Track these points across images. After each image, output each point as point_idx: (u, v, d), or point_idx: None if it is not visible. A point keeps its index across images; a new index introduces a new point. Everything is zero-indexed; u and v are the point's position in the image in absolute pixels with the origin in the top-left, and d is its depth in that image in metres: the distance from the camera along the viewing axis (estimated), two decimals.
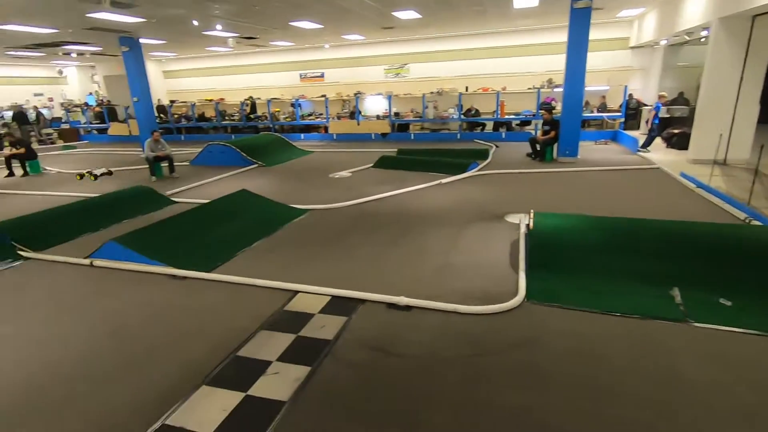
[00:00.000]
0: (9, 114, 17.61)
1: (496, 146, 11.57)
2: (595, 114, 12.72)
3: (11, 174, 10.17)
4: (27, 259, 4.84)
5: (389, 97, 14.27)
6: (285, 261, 4.47)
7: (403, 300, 3.42)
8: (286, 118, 15.89)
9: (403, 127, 14.58)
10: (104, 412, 2.42)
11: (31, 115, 17.42)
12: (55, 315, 3.58)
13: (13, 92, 18.60)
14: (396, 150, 10.54)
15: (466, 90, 13.98)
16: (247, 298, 3.69)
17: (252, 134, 14.84)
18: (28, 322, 3.49)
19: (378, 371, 2.67)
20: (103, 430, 2.29)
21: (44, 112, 18.88)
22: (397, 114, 14.51)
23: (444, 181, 7.66)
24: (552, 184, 7.31)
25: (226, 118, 16.60)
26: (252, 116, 16.16)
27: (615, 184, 7.13)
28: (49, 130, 18.00)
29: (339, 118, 15.31)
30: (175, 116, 17.10)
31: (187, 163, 10.68)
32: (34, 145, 12.82)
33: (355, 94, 15.21)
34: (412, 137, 14.06)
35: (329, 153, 11.95)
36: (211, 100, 17.11)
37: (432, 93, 14.26)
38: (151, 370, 2.79)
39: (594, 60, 11.74)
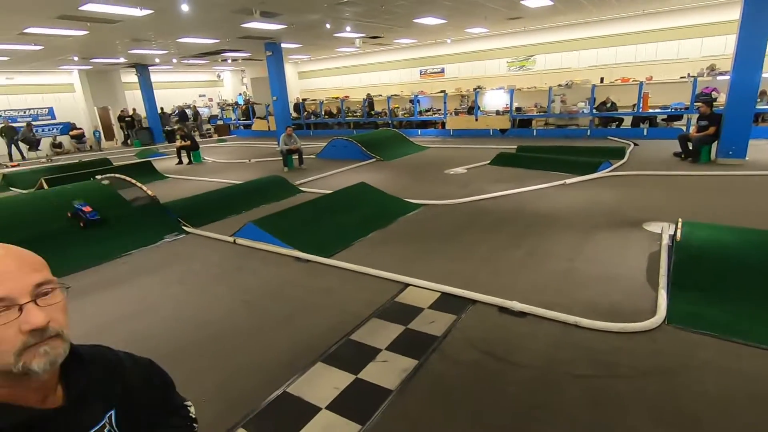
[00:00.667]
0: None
1: (635, 144, 10.22)
2: None
3: (180, 162, 12.28)
4: (188, 233, 5.79)
5: (511, 92, 13.60)
6: (398, 253, 4.58)
7: (516, 305, 3.23)
8: (405, 114, 16.23)
9: (525, 123, 13.78)
10: (238, 370, 2.77)
11: (190, 113, 20.76)
12: (206, 282, 4.22)
13: (183, 94, 22.37)
14: (515, 147, 10.02)
15: (601, 81, 12.61)
16: (361, 286, 3.87)
17: (372, 130, 15.52)
18: (186, 286, 4.18)
19: (487, 375, 2.57)
20: (237, 386, 2.62)
21: (204, 110, 22.37)
22: (518, 109, 13.77)
23: (569, 181, 7.03)
24: (707, 190, 6.20)
25: (349, 114, 17.61)
26: (372, 113, 16.90)
27: None
28: (208, 126, 21.30)
29: (456, 113, 15.12)
30: (306, 113, 18.75)
31: (314, 156, 11.63)
32: (197, 139, 15.25)
33: (475, 89, 14.84)
34: (534, 134, 13.22)
35: (445, 149, 11.88)
36: (336, 98, 18.34)
37: (560, 86, 13.18)
38: (276, 339, 3.11)
39: None
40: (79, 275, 4.58)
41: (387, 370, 2.67)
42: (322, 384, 2.59)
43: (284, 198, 7.24)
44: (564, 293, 3.47)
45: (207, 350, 3.05)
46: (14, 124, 16.26)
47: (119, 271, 4.67)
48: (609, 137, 11.61)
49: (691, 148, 8.17)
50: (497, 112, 14.18)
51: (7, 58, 12.71)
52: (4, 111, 16.54)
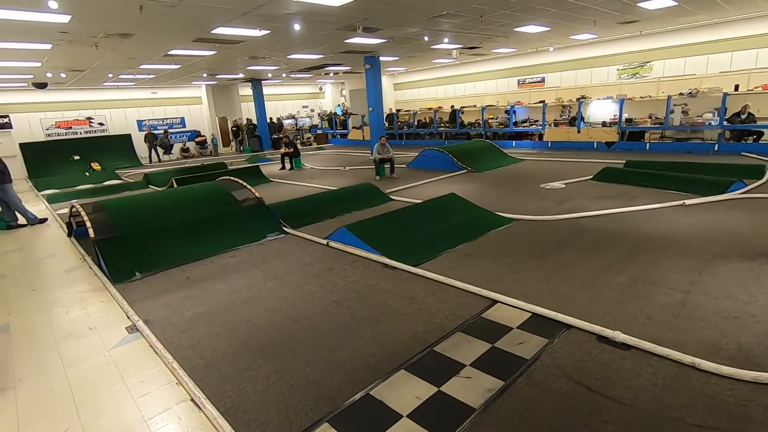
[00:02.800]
0: (288, 122, 23.17)
1: None
2: None
3: (283, 167, 13.35)
4: (287, 233, 6.27)
5: (621, 101, 12.46)
6: (486, 268, 4.45)
7: (619, 335, 2.94)
8: (500, 125, 15.77)
9: (636, 136, 12.51)
10: (326, 367, 2.91)
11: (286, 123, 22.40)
12: (301, 280, 4.52)
13: (289, 105, 24.35)
14: (623, 162, 9.14)
15: (736, 89, 10.95)
16: (447, 297, 3.84)
17: (464, 141, 15.32)
18: (284, 281, 4.51)
19: (581, 408, 2.37)
20: (323, 381, 2.75)
21: (306, 120, 24.09)
22: (629, 120, 12.55)
23: (689, 202, 6.21)
24: None
25: (441, 125, 17.61)
26: (465, 123, 16.70)
27: None
28: (308, 135, 22.87)
29: (556, 125, 14.27)
30: (399, 123, 19.18)
31: (405, 166, 11.83)
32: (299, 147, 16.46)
33: (578, 99, 13.87)
34: (647, 148, 11.93)
35: (542, 162, 11.28)
36: (430, 108, 18.47)
37: (681, 94, 11.74)
38: (362, 341, 3.21)
39: None
40: (197, 264, 5.22)
41: (470, 387, 2.60)
42: (405, 392, 2.61)
43: (375, 205, 7.47)
44: (677, 328, 3.07)
45: (299, 343, 3.26)
46: (155, 132, 19.17)
47: (229, 263, 5.22)
48: (743, 153, 10.02)
49: None
50: (603, 124, 13.08)
51: (153, 76, 15.05)
52: (149, 120, 19.55)
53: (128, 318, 3.89)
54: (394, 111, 20.22)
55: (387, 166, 10.53)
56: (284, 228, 6.40)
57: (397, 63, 17.37)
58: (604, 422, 2.26)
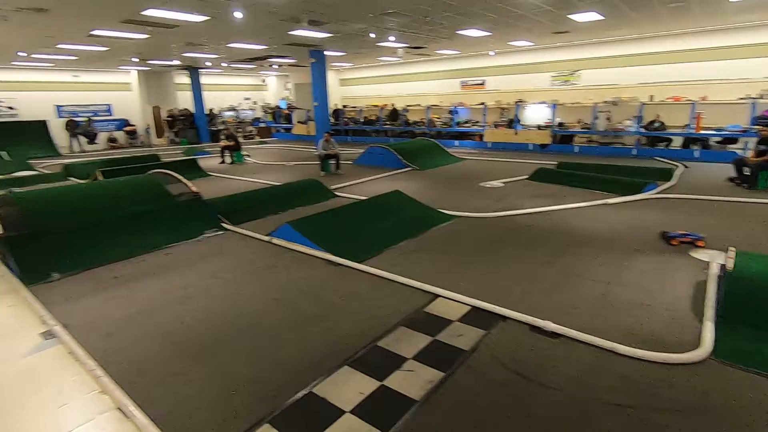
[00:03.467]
0: (228, 114, 22.16)
1: (685, 166, 9.73)
2: None
3: (223, 161, 12.76)
4: (227, 230, 6.00)
5: (554, 106, 13.31)
6: (429, 263, 4.56)
7: (549, 325, 3.14)
8: (443, 124, 16.20)
9: (567, 139, 13.42)
10: (267, 366, 2.84)
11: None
12: (241, 278, 4.35)
13: (230, 97, 23.29)
14: (556, 163, 9.78)
15: (651, 99, 12.12)
16: (390, 293, 3.88)
17: (409, 139, 15.56)
18: (223, 280, 4.32)
19: (515, 395, 2.51)
20: (264, 381, 2.68)
21: (248, 113, 23.22)
22: (561, 124, 13.44)
23: (611, 201, 6.78)
24: (763, 219, 5.81)
25: (387, 122, 17.73)
26: (411, 122, 16.97)
27: None
28: (251, 128, 22.07)
29: (496, 126, 14.94)
30: (345, 120, 19.07)
31: (351, 162, 11.79)
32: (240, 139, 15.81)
33: (516, 102, 14.62)
34: (576, 150, 12.85)
35: (482, 161, 11.75)
36: (376, 106, 18.54)
37: (606, 102, 12.78)
38: (305, 338, 3.16)
39: None
40: (127, 263, 4.85)
41: (412, 380, 2.66)
42: (348, 388, 2.61)
43: (320, 201, 7.38)
44: (600, 317, 3.34)
45: (239, 343, 3.14)
46: (76, 119, 17.48)
47: (163, 261, 4.90)
48: (656, 158, 11.11)
49: (747, 173, 7.69)
50: (538, 127, 13.90)
51: (75, 58, 13.70)
52: (69, 106, 17.78)
53: (44, 323, 3.53)
54: (340, 107, 20.06)
55: (332, 162, 10.43)
56: (224, 224, 6.13)
57: (343, 59, 17.24)
58: (535, 407, 2.41)
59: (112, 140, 18.51)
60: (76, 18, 8.35)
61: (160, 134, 19.88)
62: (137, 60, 15.03)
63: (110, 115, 19.09)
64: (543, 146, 13.38)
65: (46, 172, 11.78)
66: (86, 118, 17.75)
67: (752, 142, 9.15)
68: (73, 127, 17.07)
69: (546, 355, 2.87)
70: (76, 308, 3.77)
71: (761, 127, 8.12)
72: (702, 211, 6.25)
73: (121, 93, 19.22)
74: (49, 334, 3.34)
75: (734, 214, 6.05)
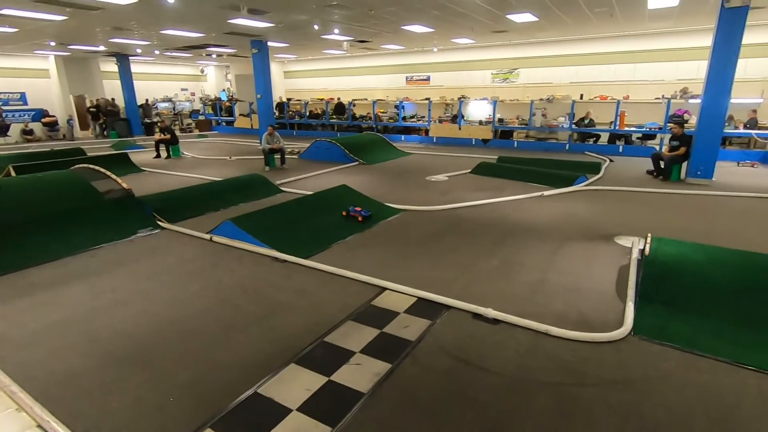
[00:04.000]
0: (164, 105, 20.80)
1: (611, 160, 10.55)
2: (741, 131, 10.89)
3: (158, 156, 11.99)
4: (163, 228, 5.66)
5: (494, 103, 13.86)
6: (376, 257, 4.59)
7: (490, 312, 3.29)
8: (389, 119, 16.32)
9: (507, 134, 14.05)
10: (209, 369, 2.72)
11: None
12: (180, 279, 4.13)
13: (165, 87, 21.89)
14: (496, 157, 10.20)
15: (581, 98, 12.98)
16: (337, 288, 3.87)
17: (355, 133, 15.52)
18: (159, 281, 4.08)
19: (458, 381, 2.60)
20: (206, 385, 2.57)
21: (186, 105, 21.97)
22: (501, 120, 14.03)
23: (546, 193, 7.20)
24: (675, 208, 6.45)
25: (333, 116, 17.56)
26: (357, 116, 16.92)
27: (757, 215, 6.04)
28: (189, 121, 20.91)
29: (441, 121, 15.29)
30: (290, 113, 18.61)
31: (296, 157, 11.55)
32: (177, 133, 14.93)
33: (459, 98, 15.05)
34: (515, 145, 13.50)
35: (428, 156, 11.99)
36: (321, 99, 18.28)
37: (541, 100, 13.51)
38: (250, 338, 3.07)
39: (746, 68, 10.12)
40: (46, 267, 4.42)
41: (360, 373, 2.67)
42: (294, 385, 2.57)
43: (264, 197, 7.17)
44: (536, 303, 3.55)
45: (178, 347, 2.98)
46: None
47: (87, 264, 4.53)
48: (586, 152, 11.94)
49: (662, 166, 8.50)
50: (480, 122, 14.42)
51: None
52: None
53: None
54: (284, 100, 19.55)
55: (277, 156, 10.17)
56: (159, 223, 5.77)
57: (287, 50, 16.80)
58: (476, 391, 2.51)
59: (27, 132, 16.73)
60: None
61: (85, 127, 18.26)
62: (55, 44, 13.66)
63: (24, 104, 17.23)
64: (485, 141, 13.90)
65: None
66: None
67: (667, 138, 10.11)
68: None
69: (487, 341, 3.00)
70: None
71: (673, 125, 8.98)
72: (625, 201, 6.82)
73: (36, 80, 17.39)
74: None
75: (652, 203, 6.66)
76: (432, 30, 11.87)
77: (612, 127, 12.03)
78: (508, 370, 2.70)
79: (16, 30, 10.76)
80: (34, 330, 3.22)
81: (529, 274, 4.11)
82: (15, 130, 16.42)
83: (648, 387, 2.53)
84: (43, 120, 17.31)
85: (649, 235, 4.23)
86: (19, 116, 16.90)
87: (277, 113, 18.10)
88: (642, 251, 4.13)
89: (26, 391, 2.50)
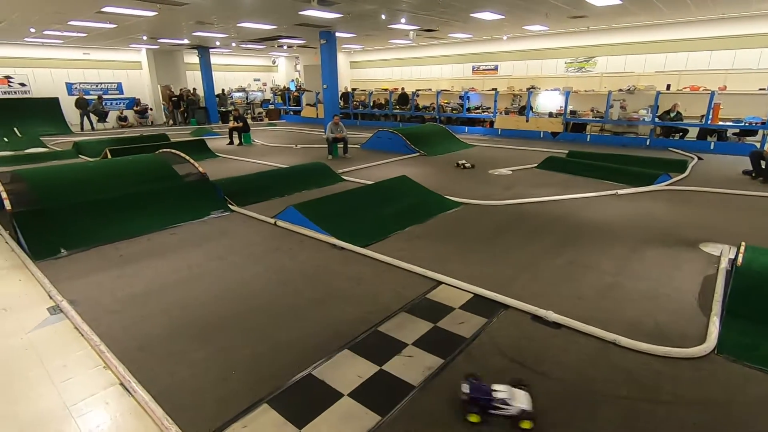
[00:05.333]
0: (238, 95, 22.05)
1: (700, 158, 9.52)
2: None
3: (231, 142, 12.75)
4: (233, 211, 6.02)
5: (567, 93, 13.03)
6: (433, 250, 4.54)
7: (551, 315, 3.12)
8: (453, 110, 15.99)
9: (579, 128, 13.17)
10: (268, 348, 2.86)
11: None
12: (245, 260, 4.37)
13: (239, 77, 23.17)
14: (566, 152, 9.62)
15: (668, 88, 11.79)
16: (393, 278, 3.88)
17: (418, 124, 15.39)
18: (227, 261, 4.35)
19: None
20: (265, 362, 2.70)
21: (258, 94, 23.09)
22: (573, 112, 13.17)
23: (621, 192, 6.67)
24: None
25: (396, 107, 17.54)
26: (421, 107, 16.77)
27: None
28: (260, 110, 21.99)
29: (507, 113, 14.70)
30: (354, 103, 18.88)
31: (359, 146, 11.71)
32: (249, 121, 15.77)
33: (528, 89, 14.34)
34: (588, 139, 12.63)
35: (491, 148, 11.60)
36: (386, 89, 18.32)
37: (621, 90, 12.47)
38: (306, 321, 3.18)
39: None
40: (133, 241, 4.90)
41: (411, 366, 2.67)
42: (347, 371, 2.62)
43: (326, 185, 7.35)
44: (604, 308, 3.31)
45: (241, 324, 3.17)
46: (87, 97, 17.50)
47: (168, 241, 4.94)
48: (670, 149, 10.87)
49: (764, 166, 7.50)
50: (550, 114, 13.65)
51: (85, 35, 13.66)
52: (80, 84, 17.83)
53: (51, 298, 3.59)
54: (349, 90, 19.85)
55: (340, 145, 10.37)
56: (230, 206, 6.15)
57: (353, 40, 16.99)
58: (533, 395, 2.39)
59: (122, 119, 18.57)
60: None
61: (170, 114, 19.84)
62: (146, 38, 14.94)
63: (120, 93, 19.11)
64: (554, 134, 13.16)
65: (57, 149, 11.88)
66: (97, 96, 17.78)
67: None
68: (83, 106, 17.10)
69: (546, 345, 2.86)
70: (82, 285, 3.83)
71: None
72: (715, 204, 6.13)
73: (131, 71, 19.21)
74: (55, 310, 3.40)
75: (748, 208, 5.92)
76: (502, 17, 11.37)
77: (703, 122, 10.82)
78: (569, 377, 2.55)
79: (116, 26, 11.90)
80: (121, 298, 3.58)
81: (598, 277, 3.84)
82: (112, 116, 18.30)
83: (732, 412, 2.26)
84: (135, 108, 19.10)
85: (743, 243, 3.76)
86: (116, 104, 18.80)
87: (341, 103, 18.45)
88: (733, 261, 3.69)
89: (112, 352, 2.79)
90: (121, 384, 2.53)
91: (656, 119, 11.47)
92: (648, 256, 4.29)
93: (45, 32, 12.87)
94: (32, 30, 12.46)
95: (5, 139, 13.34)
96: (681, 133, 11.61)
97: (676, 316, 3.18)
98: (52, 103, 16.73)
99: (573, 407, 2.31)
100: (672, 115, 11.30)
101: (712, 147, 10.58)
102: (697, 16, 11.63)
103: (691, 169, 8.28)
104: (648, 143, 11.59)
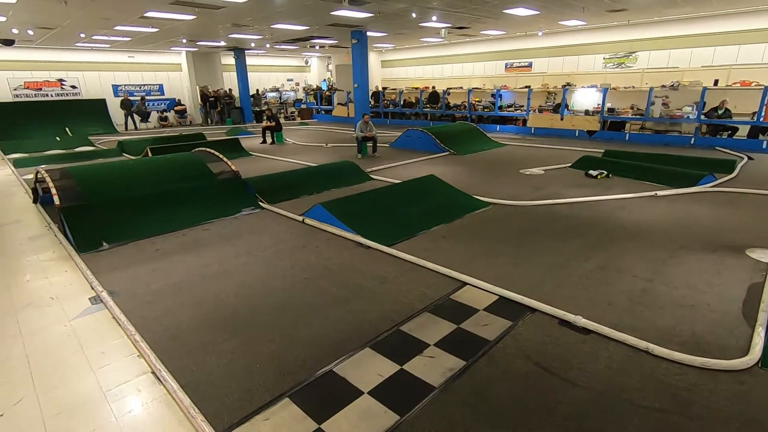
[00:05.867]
0: (271, 95, 22.56)
1: (750, 158, 8.94)
2: None
3: (264, 141, 13.07)
4: (263, 208, 6.17)
5: (605, 90, 12.54)
6: (459, 250, 4.48)
7: (580, 320, 3.01)
8: (485, 108, 15.73)
9: (617, 126, 12.65)
10: (291, 343, 2.91)
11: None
12: (273, 256, 4.47)
13: (273, 78, 23.69)
14: (602, 151, 9.26)
15: (715, 84, 11.13)
16: (417, 278, 3.86)
17: (449, 122, 15.24)
18: (256, 257, 4.46)
19: (538, 389, 2.44)
20: (288, 357, 2.76)
21: (290, 94, 23.53)
22: (611, 110, 12.67)
23: (661, 193, 6.36)
24: None
25: (427, 105, 17.44)
26: (451, 105, 16.59)
27: None
28: (292, 109, 22.42)
29: (540, 111, 14.31)
30: (385, 102, 18.91)
31: (388, 145, 11.73)
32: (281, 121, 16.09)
33: (564, 86, 13.90)
34: (627, 138, 12.11)
35: (523, 147, 11.34)
36: (416, 88, 18.24)
37: (663, 87, 11.88)
38: (329, 318, 3.22)
39: None
40: (168, 236, 5.11)
41: (432, 367, 2.65)
42: (368, 369, 2.64)
43: (355, 184, 7.41)
44: (637, 315, 3.17)
45: (267, 319, 3.24)
46: (131, 98, 18.41)
47: (201, 236, 5.12)
48: (717, 148, 10.27)
49: None
50: (586, 112, 13.18)
51: (129, 39, 14.36)
52: (125, 85, 18.76)
53: (92, 288, 3.80)
54: (380, 89, 19.90)
55: (369, 144, 10.42)
56: (260, 203, 6.30)
57: (385, 39, 17.01)
58: (557, 402, 2.33)
59: (163, 119, 19.39)
60: (130, 0, 8.70)
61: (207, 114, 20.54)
62: (186, 41, 15.53)
63: (162, 94, 19.96)
64: (590, 133, 12.71)
65: (103, 148, 12.56)
66: (140, 98, 18.67)
67: None
68: (128, 106, 18.00)
69: (574, 351, 2.76)
70: (121, 276, 4.03)
71: None
72: (764, 207, 5.74)
73: (171, 73, 20.03)
74: (96, 299, 3.60)
75: None
76: (537, 12, 11.07)
77: (755, 119, 10.15)
78: (597, 385, 2.45)
79: (157, 29, 12.44)
80: (155, 290, 3.74)
81: (631, 282, 3.68)
82: (153, 116, 19.17)
83: None
84: (175, 108, 19.90)
85: None
86: (158, 105, 19.66)
87: (372, 102, 18.52)
88: None
89: (146, 342, 2.92)
90: (153, 372, 2.65)
91: (702, 117, 10.85)
92: (687, 262, 4.07)
93: (94, 37, 13.62)
94: (82, 35, 13.22)
95: (58, 138, 14.22)
96: (729, 132, 10.93)
97: (716, 326, 3.00)
98: (100, 104, 17.72)
99: (601, 417, 2.23)
100: (720, 112, 10.66)
101: (765, 146, 9.91)
102: (749, 6, 10.90)
103: (740, 169, 7.80)
104: (692, 142, 10.99)
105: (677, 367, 2.58)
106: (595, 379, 2.51)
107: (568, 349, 2.78)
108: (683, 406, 2.28)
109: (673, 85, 11.75)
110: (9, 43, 13.37)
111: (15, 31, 11.95)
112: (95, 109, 17.53)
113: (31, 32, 12.08)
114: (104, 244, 4.82)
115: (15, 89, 16.22)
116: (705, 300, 3.35)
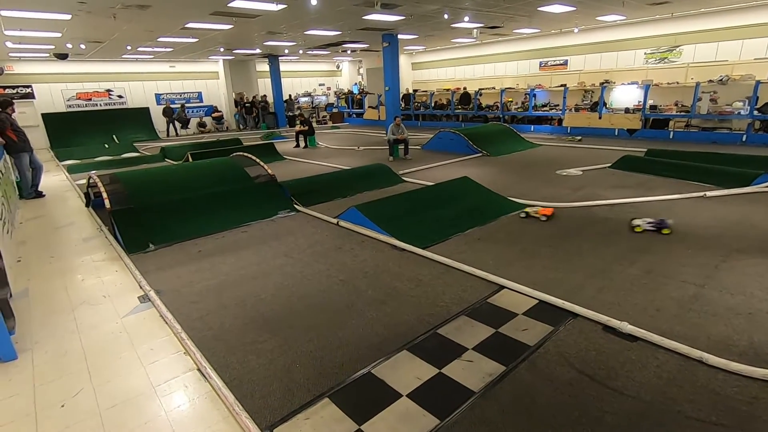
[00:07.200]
0: (304, 99, 22.99)
1: None
2: None
3: (297, 145, 13.34)
4: (298, 211, 6.29)
5: (646, 87, 12.01)
6: (495, 253, 4.41)
7: (626, 326, 2.89)
8: (518, 108, 15.41)
9: (660, 124, 12.09)
10: (329, 344, 2.95)
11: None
12: (309, 258, 4.55)
13: (305, 83, 24.15)
14: (644, 150, 8.87)
15: None
16: (453, 281, 3.83)
17: (481, 123, 15.04)
18: (293, 258, 4.55)
19: (582, 397, 2.36)
20: (327, 358, 2.79)
21: (322, 98, 23.89)
22: (654, 107, 12.12)
23: (710, 194, 6.02)
24: None
25: (458, 107, 17.28)
26: (484, 106, 16.36)
27: None
28: (324, 113, 22.77)
29: (577, 109, 13.88)
30: (416, 104, 18.88)
31: (419, 148, 11.70)
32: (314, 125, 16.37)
33: (602, 83, 13.42)
34: (671, 136, 11.55)
35: (559, 147, 11.03)
36: (447, 89, 18.11)
37: (711, 81, 11.25)
38: (366, 320, 3.23)
39: None
40: (209, 238, 5.30)
41: (471, 371, 2.61)
42: (406, 372, 2.63)
43: (387, 186, 7.43)
44: (688, 322, 3.01)
45: (305, 320, 3.30)
46: (172, 106, 19.27)
47: (239, 238, 5.28)
48: None
49: None
50: (626, 110, 12.67)
51: (171, 49, 15.04)
52: (167, 94, 19.64)
53: (140, 288, 3.99)
54: (410, 91, 19.89)
55: (401, 147, 10.42)
56: (295, 206, 6.43)
57: (415, 42, 16.99)
58: (603, 412, 2.24)
59: (201, 125, 20.15)
60: (173, 12, 9.12)
61: (241, 121, 21.19)
62: (223, 50, 16.09)
63: (200, 101, 20.75)
64: (630, 132, 12.21)
65: (147, 154, 13.19)
66: (180, 105, 19.50)
67: None
68: (169, 114, 18.86)
69: (620, 359, 2.66)
70: (166, 276, 4.21)
71: None
72: None
73: (209, 81, 20.80)
74: (144, 298, 3.77)
75: None
76: (573, 9, 10.75)
77: None
78: (645, 395, 2.35)
79: (197, 39, 12.96)
80: (199, 290, 3.89)
81: (680, 288, 3.50)
82: (193, 123, 19.96)
83: None
84: (213, 114, 20.64)
85: None
86: (196, 112, 20.46)
87: (403, 104, 18.54)
88: None
89: (191, 339, 3.04)
90: (198, 369, 2.75)
91: (755, 112, 10.20)
92: (742, 267, 3.83)
93: (139, 48, 14.34)
94: (128, 47, 13.95)
95: (106, 145, 15.07)
96: None
97: None
98: (143, 113, 18.66)
99: (652, 428, 2.13)
100: None
101: None
102: None
103: None
104: (744, 139, 10.35)
105: (735, 378, 2.43)
106: (644, 388, 2.40)
107: (614, 357, 2.68)
108: (743, 421, 2.14)
109: (721, 80, 11.11)
110: (63, 56, 14.29)
111: (69, 45, 12.76)
112: (139, 117, 18.47)
113: (83, 46, 12.86)
114: (150, 245, 5.05)
115: (68, 100, 17.32)
116: (763, 308, 3.14)
